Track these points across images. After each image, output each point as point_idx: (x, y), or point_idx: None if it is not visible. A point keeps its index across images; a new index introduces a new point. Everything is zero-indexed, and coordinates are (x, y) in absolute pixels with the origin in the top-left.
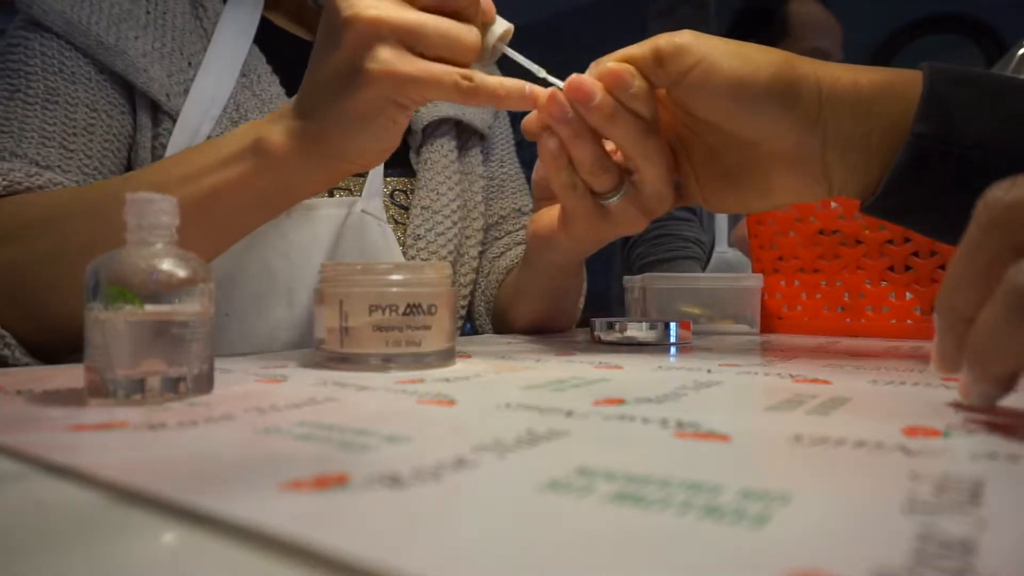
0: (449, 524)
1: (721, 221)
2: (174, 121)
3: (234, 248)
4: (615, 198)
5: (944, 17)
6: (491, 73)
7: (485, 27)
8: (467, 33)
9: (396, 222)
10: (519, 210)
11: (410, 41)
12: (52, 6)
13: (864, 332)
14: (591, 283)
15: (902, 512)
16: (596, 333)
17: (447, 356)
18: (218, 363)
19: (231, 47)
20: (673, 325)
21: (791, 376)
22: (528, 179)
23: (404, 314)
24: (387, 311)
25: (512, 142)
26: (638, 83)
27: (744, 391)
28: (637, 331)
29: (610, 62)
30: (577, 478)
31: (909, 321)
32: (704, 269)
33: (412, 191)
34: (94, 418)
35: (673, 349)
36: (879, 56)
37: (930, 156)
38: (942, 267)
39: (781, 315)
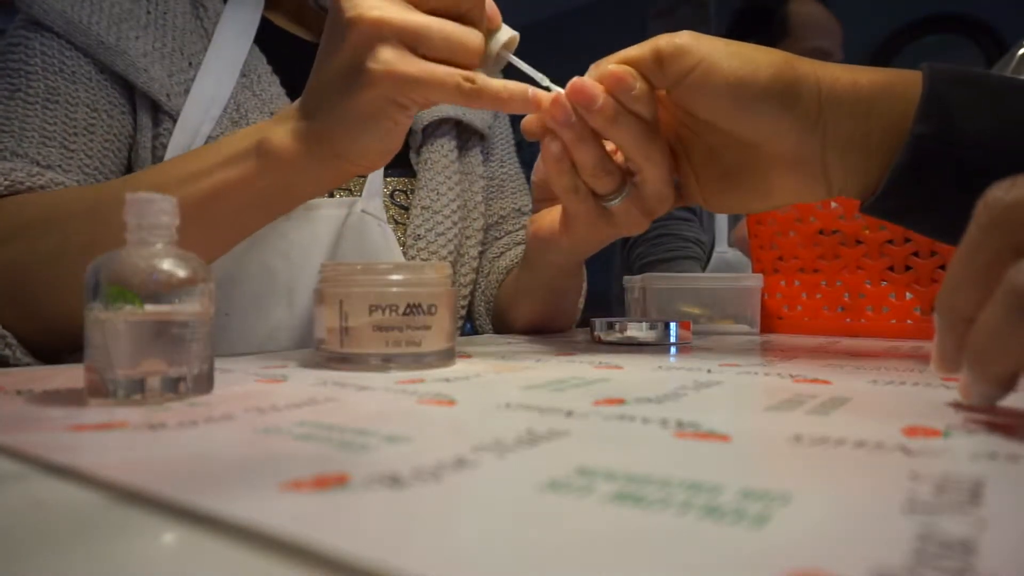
0: (449, 524)
1: (721, 221)
2: (174, 121)
3: (234, 248)
4: (617, 200)
5: (944, 17)
6: (494, 77)
7: (490, 34)
8: (470, 37)
9: (396, 222)
10: (519, 210)
11: (413, 42)
12: (52, 6)
13: (864, 332)
14: (591, 283)
15: (902, 512)
16: (596, 333)
17: (447, 356)
18: (218, 363)
19: (231, 47)
20: (673, 325)
21: (791, 376)
22: (528, 179)
23: (404, 314)
24: (387, 311)
25: (512, 142)
26: (639, 85)
27: (744, 391)
28: (637, 331)
29: (611, 64)
30: (577, 478)
31: (909, 321)
32: (704, 269)
33: (412, 191)
34: (94, 418)
35: (673, 349)
36: (879, 56)
37: (930, 156)
38: (942, 267)
39: (781, 315)
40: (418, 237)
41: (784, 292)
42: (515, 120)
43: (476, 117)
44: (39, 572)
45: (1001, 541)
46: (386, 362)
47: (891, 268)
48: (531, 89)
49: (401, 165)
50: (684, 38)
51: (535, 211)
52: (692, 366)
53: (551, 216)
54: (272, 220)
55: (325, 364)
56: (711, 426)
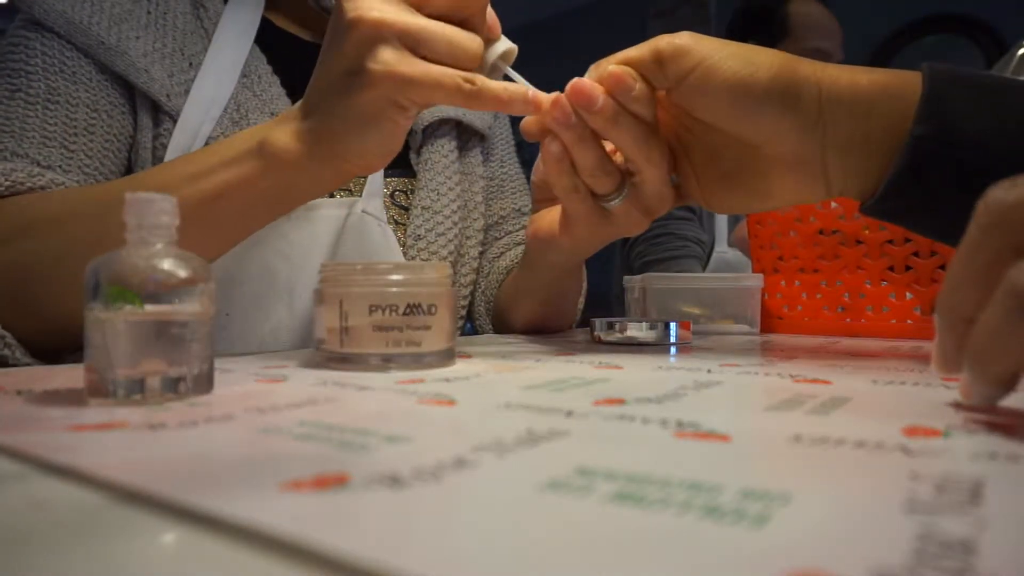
0: (449, 524)
1: (721, 221)
2: (175, 121)
3: (234, 248)
4: (616, 200)
5: (944, 17)
6: None
7: (489, 43)
8: (471, 41)
9: (396, 222)
10: (519, 210)
11: (413, 44)
12: (53, 6)
13: (864, 332)
14: (591, 283)
15: (902, 512)
16: (596, 333)
17: (447, 356)
18: (218, 363)
19: (232, 47)
20: (673, 325)
21: (791, 376)
22: (528, 179)
23: (404, 314)
24: (387, 311)
25: (512, 142)
26: (639, 86)
27: (744, 391)
28: (637, 331)
29: (610, 65)
30: (577, 478)
31: (909, 321)
32: (704, 269)
33: (412, 191)
34: (94, 418)
35: (673, 349)
36: (879, 56)
37: (930, 157)
38: (942, 267)
39: (781, 315)
40: (418, 237)
41: (784, 292)
42: (515, 120)
43: (476, 118)
44: (39, 572)
45: (1001, 541)
46: (386, 362)
47: (891, 268)
48: (531, 90)
49: (401, 165)
50: (684, 39)
51: (535, 211)
52: (692, 366)
53: (551, 216)
54: (273, 220)
55: (325, 364)
56: (711, 426)
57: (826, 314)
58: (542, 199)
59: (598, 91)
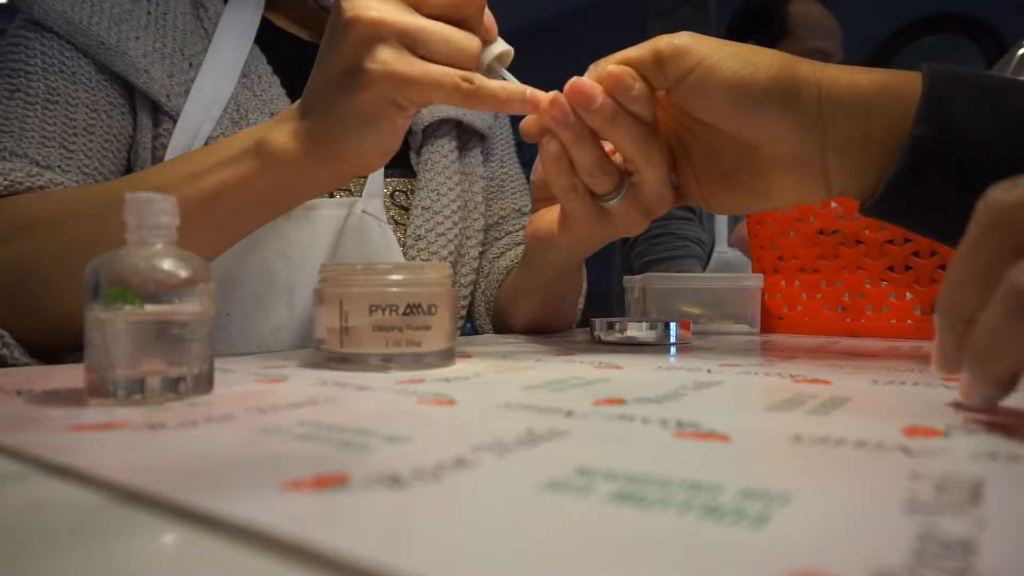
0: (449, 524)
1: (721, 221)
2: (175, 122)
3: (234, 248)
4: (615, 200)
5: (944, 17)
6: None
7: (485, 44)
8: (469, 41)
9: (396, 223)
10: (519, 210)
11: (411, 43)
12: (53, 6)
13: (864, 332)
14: (591, 283)
15: (902, 512)
16: (596, 333)
17: (447, 356)
18: (218, 363)
19: (232, 48)
20: (673, 325)
21: (791, 376)
22: (528, 179)
23: (404, 314)
24: (387, 311)
25: (512, 142)
26: (638, 85)
27: (744, 391)
28: (637, 331)
29: (610, 65)
30: (577, 478)
31: (909, 321)
32: (704, 269)
33: (412, 192)
34: (94, 418)
35: (673, 349)
36: (879, 56)
37: (930, 157)
38: (942, 267)
39: (781, 315)
40: (418, 237)
41: (784, 292)
42: (515, 120)
43: (476, 118)
44: (39, 572)
45: (1001, 541)
46: (386, 362)
47: (891, 268)
48: (529, 89)
49: (401, 165)
50: (683, 39)
51: (534, 211)
52: (692, 366)
53: (550, 216)
54: (272, 219)
55: (325, 364)
56: (711, 426)
57: (826, 314)
58: (541, 199)
59: (597, 90)
